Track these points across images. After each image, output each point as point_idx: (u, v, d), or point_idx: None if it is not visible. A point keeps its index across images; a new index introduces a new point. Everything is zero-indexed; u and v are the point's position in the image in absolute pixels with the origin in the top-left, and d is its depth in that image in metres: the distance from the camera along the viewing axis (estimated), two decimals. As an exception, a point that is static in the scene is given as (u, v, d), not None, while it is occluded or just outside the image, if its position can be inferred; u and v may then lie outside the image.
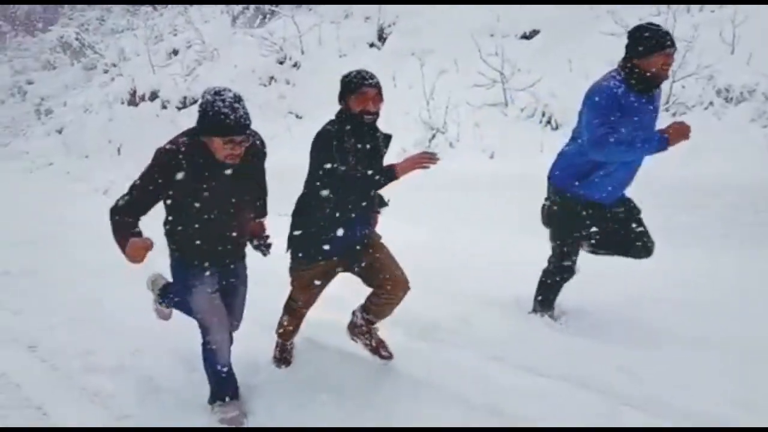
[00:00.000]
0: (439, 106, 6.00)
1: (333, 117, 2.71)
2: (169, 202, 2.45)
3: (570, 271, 3.19)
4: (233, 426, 2.60)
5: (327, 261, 2.75)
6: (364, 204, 2.71)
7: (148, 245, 2.28)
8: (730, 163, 4.39)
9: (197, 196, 2.41)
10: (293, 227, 2.76)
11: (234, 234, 2.59)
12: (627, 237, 3.11)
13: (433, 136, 5.63)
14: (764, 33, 5.21)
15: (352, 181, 2.59)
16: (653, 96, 2.93)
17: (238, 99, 2.31)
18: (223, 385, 2.66)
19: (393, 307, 2.83)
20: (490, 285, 3.71)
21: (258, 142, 2.58)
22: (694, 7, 6.18)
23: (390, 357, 2.93)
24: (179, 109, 9.05)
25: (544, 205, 3.21)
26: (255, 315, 2.95)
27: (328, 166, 2.54)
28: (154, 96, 9.84)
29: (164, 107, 9.43)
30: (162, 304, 3.01)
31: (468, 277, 3.93)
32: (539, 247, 3.38)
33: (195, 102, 8.81)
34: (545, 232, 3.39)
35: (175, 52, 10.44)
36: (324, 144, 2.56)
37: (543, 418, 2.42)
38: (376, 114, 2.64)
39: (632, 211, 3.14)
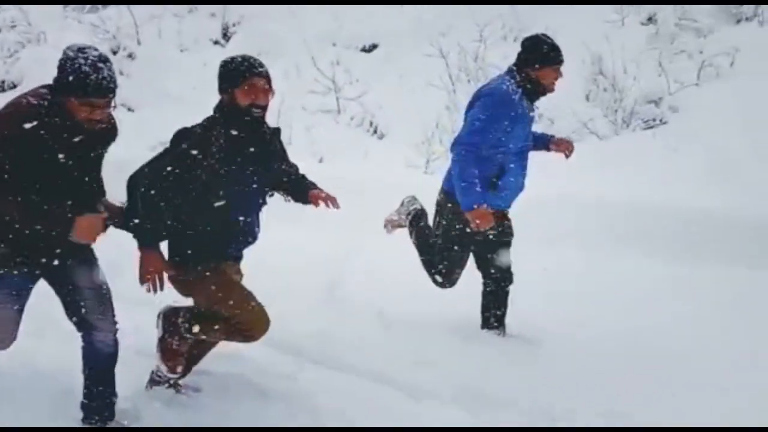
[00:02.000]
0: (274, 109, 6.17)
1: (204, 118, 2.33)
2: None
3: (449, 285, 3.04)
4: None
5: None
6: None
7: (100, 219, 2.12)
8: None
9: (46, 165, 2.07)
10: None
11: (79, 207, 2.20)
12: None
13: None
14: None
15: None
16: (533, 106, 2.98)
17: (103, 59, 2.07)
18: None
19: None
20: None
21: (112, 121, 2.30)
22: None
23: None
24: (-4, 92, 8.22)
25: (436, 220, 3.08)
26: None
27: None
28: (-34, 76, 8.81)
29: (-21, 89, 8.50)
30: None
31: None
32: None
33: (15, 87, 8.06)
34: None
35: (-3, 30, 9.43)
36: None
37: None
38: (266, 108, 2.31)
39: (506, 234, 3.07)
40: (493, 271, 3.05)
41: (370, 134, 5.89)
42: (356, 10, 7.86)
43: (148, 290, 2.28)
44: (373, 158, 5.44)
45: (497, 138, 2.81)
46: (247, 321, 2.36)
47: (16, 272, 2.18)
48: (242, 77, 2.25)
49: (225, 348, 2.65)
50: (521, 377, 2.66)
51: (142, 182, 2.26)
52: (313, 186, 2.57)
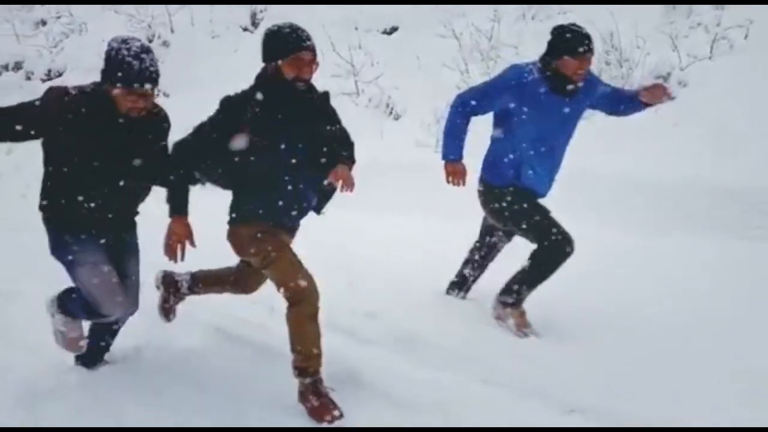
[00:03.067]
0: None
1: (246, 86, 2.33)
2: (51, 150, 2.26)
3: (570, 242, 2.85)
4: (70, 350, 2.53)
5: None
6: None
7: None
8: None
9: (85, 148, 2.21)
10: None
11: (127, 199, 2.43)
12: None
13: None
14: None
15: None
16: (574, 97, 2.82)
17: (145, 50, 2.18)
18: (85, 316, 2.46)
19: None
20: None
21: (163, 114, 2.43)
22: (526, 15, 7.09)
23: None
24: (43, 81, 8.81)
25: (491, 208, 3.00)
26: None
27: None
28: (18, 66, 9.46)
29: (28, 78, 9.12)
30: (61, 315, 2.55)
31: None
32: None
33: (60, 75, 8.64)
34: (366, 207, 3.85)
35: (44, 23, 10.04)
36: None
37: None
38: (309, 80, 2.27)
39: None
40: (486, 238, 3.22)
41: (386, 115, 6.13)
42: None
43: (170, 259, 2.38)
44: (388, 139, 5.69)
45: (507, 120, 2.78)
46: (299, 292, 2.28)
47: (93, 237, 2.34)
48: (290, 50, 2.20)
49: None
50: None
51: (182, 152, 2.34)
52: (343, 161, 2.40)
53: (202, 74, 7.70)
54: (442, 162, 2.90)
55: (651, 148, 4.45)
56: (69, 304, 2.47)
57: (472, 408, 2.31)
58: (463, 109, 2.86)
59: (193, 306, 2.95)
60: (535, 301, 3.03)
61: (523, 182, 2.89)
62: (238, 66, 7.66)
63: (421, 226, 4.34)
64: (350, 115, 6.78)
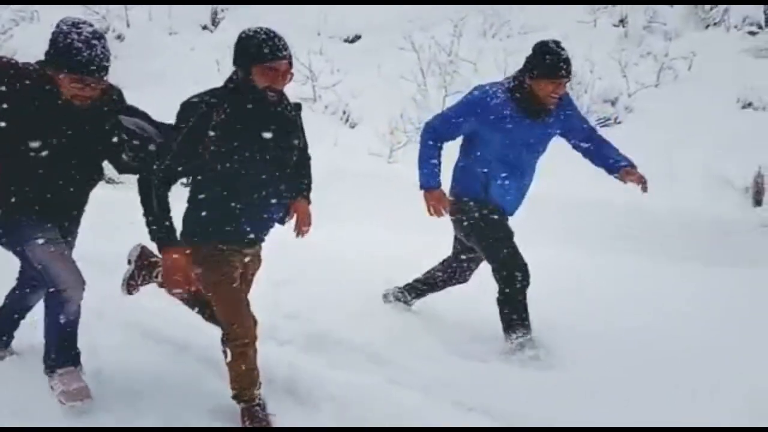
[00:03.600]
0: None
1: (211, 89, 2.21)
2: None
3: (525, 270, 2.79)
4: (77, 401, 2.24)
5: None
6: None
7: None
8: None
9: (35, 133, 2.06)
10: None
11: (74, 189, 2.25)
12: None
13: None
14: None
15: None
16: (543, 119, 2.75)
17: (97, 36, 2.02)
18: (66, 348, 2.28)
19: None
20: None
21: (115, 97, 2.28)
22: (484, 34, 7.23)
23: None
24: (-11, 68, 8.47)
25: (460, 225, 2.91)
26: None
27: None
28: (-38, 51, 9.05)
29: (-28, 64, 8.74)
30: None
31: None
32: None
33: (7, 62, 8.29)
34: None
35: (-8, 7, 9.63)
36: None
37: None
38: (281, 91, 2.18)
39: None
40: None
41: (342, 122, 6.11)
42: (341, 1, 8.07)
43: (180, 297, 2.35)
44: (342, 146, 5.67)
45: (473, 140, 2.73)
46: (235, 333, 2.24)
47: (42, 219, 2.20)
48: (265, 57, 2.09)
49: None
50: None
51: (154, 180, 2.14)
52: (304, 195, 2.42)
53: (158, 70, 7.52)
54: (421, 192, 2.81)
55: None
56: (47, 345, 2.29)
57: (373, 406, 2.35)
58: (433, 137, 2.81)
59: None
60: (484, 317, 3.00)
61: (491, 197, 2.83)
62: (196, 64, 7.54)
63: (364, 232, 4.32)
64: (306, 120, 6.78)
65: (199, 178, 2.23)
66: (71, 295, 2.23)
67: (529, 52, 2.72)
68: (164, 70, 7.55)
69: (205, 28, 8.30)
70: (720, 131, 4.52)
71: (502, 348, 2.78)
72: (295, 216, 2.41)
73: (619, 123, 5.40)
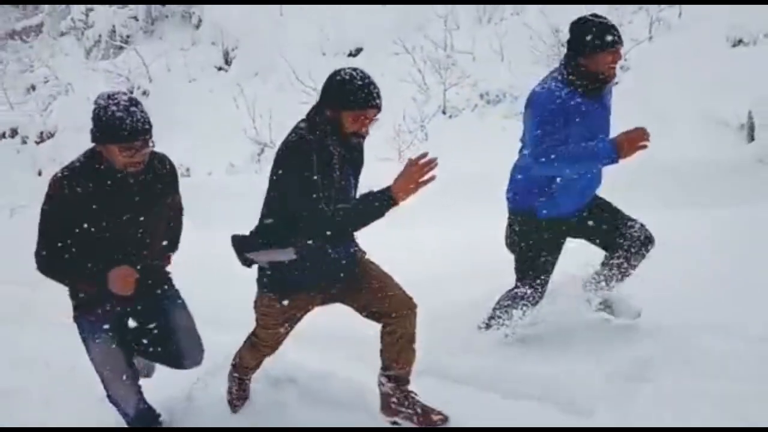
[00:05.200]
0: (272, 122, 6.81)
1: (303, 121, 2.20)
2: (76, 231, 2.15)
3: (540, 296, 2.75)
4: None
5: (305, 293, 2.30)
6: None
7: (131, 271, 2.15)
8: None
9: (97, 217, 2.15)
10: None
11: (143, 260, 2.28)
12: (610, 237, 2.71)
13: (262, 151, 6.43)
14: (524, 44, 6.46)
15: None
16: (602, 96, 2.61)
17: (134, 102, 2.13)
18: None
19: (409, 339, 2.33)
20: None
21: (168, 166, 2.34)
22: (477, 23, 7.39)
23: (445, 419, 2.37)
24: (38, 143, 9.28)
25: (507, 230, 2.82)
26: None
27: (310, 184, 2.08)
28: (14, 133, 9.98)
29: (24, 142, 9.61)
30: None
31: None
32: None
33: (52, 135, 9.09)
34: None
35: (33, 88, 10.56)
36: (303, 158, 2.09)
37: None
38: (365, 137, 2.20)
39: (604, 210, 2.75)
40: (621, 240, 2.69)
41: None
42: (339, 16, 8.43)
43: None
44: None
45: (558, 140, 2.47)
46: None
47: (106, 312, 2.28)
48: (360, 104, 2.11)
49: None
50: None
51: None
52: None
53: (182, 117, 8.08)
54: (613, 155, 2.44)
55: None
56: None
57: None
58: (556, 148, 2.52)
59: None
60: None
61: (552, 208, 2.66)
62: (215, 104, 8.08)
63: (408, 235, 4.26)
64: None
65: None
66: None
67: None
68: (187, 114, 8.12)
69: (220, 69, 8.85)
70: (713, 72, 4.54)
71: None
72: None
73: (617, 84, 5.46)
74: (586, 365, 2.46)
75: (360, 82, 2.14)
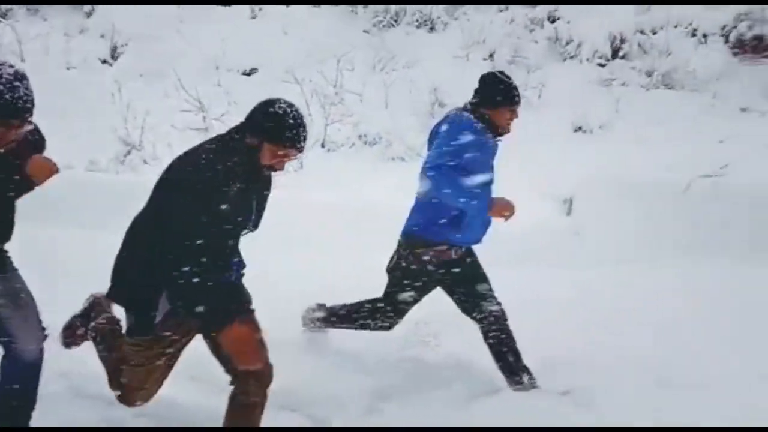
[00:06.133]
0: (146, 126, 6.63)
1: (214, 142, 2.19)
2: None
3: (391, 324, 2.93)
4: None
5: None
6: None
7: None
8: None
9: None
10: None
11: None
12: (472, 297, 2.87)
13: (128, 152, 6.23)
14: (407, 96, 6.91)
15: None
16: (496, 145, 2.84)
17: (19, 77, 1.94)
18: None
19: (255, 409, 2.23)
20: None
21: (38, 136, 2.21)
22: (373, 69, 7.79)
23: None
24: None
25: (396, 257, 2.91)
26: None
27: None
28: None
29: None
30: None
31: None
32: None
33: None
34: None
35: None
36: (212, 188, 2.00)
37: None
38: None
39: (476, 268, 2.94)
40: (476, 313, 2.85)
41: (231, 151, 6.44)
42: (239, 35, 8.49)
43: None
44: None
45: (467, 167, 2.66)
46: None
47: None
48: (283, 143, 2.06)
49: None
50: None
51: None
52: None
53: (54, 104, 7.60)
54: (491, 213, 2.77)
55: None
56: None
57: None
58: (446, 175, 2.68)
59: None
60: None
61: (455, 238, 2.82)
62: (90, 97, 7.70)
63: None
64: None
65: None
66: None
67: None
68: (61, 102, 7.65)
69: (104, 62, 8.48)
70: (553, 152, 5.17)
71: None
72: None
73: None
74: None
75: (292, 121, 2.09)
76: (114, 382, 2.33)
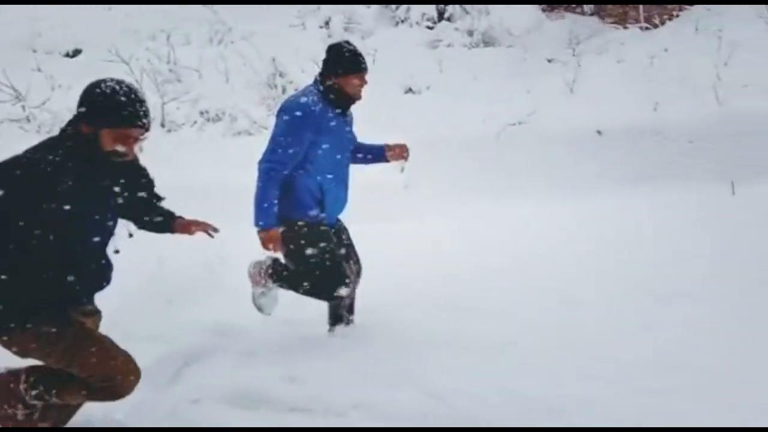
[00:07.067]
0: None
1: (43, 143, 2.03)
2: None
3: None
4: None
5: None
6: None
7: None
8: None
9: None
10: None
11: None
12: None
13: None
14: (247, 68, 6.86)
15: None
16: (347, 115, 2.94)
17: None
18: None
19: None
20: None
21: None
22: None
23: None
24: None
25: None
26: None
27: None
28: None
29: None
30: None
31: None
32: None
33: None
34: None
35: None
36: None
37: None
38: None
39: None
40: None
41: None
42: (58, 14, 7.81)
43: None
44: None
45: (306, 153, 2.75)
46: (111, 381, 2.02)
47: None
48: (120, 124, 1.90)
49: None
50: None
51: None
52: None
53: None
54: (256, 228, 2.79)
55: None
56: None
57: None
58: (276, 176, 2.76)
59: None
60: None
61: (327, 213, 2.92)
62: None
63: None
64: (18, 142, 6.48)
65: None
66: None
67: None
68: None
69: None
70: (386, 114, 5.50)
71: None
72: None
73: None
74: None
75: (124, 98, 1.91)
76: (93, 386, 2.08)
